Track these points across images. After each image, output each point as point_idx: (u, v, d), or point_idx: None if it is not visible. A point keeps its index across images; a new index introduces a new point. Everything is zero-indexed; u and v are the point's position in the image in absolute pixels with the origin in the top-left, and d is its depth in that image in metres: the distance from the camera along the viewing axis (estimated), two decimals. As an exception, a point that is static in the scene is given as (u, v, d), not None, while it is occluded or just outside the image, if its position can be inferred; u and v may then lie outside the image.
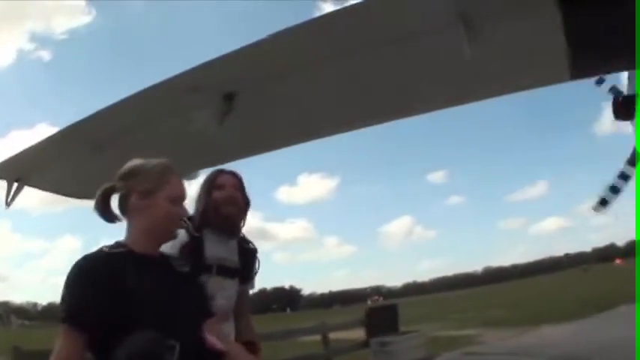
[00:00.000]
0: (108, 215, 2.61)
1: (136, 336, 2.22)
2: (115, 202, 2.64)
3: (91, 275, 2.33)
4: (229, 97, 4.53)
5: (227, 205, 3.35)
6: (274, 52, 4.26)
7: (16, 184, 5.57)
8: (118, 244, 2.53)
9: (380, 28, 4.11)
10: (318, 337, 12.91)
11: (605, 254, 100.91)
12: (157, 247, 2.62)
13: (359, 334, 13.69)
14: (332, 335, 13.48)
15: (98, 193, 2.63)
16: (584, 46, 4.52)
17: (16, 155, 5.29)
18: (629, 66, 5.14)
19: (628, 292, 24.50)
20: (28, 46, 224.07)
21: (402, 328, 14.47)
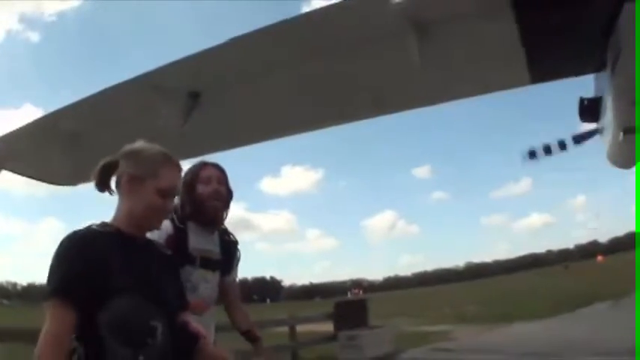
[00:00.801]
0: (102, 187, 2.60)
1: (121, 300, 2.26)
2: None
3: (82, 250, 2.32)
4: (194, 96, 4.71)
5: (212, 200, 3.38)
6: (237, 54, 4.40)
7: (-6, 168, 5.73)
8: (105, 224, 2.51)
9: (340, 33, 4.16)
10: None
11: (588, 251, 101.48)
12: (141, 231, 2.60)
13: (330, 327, 13.61)
14: (303, 328, 13.47)
15: (100, 163, 2.62)
16: (541, 49, 4.60)
17: (-4, 139, 5.44)
18: (590, 69, 5.12)
19: (604, 290, 24.90)
20: (17, 26, 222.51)
21: (373, 323, 14.37)
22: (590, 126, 6.60)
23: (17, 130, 5.28)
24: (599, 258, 73.22)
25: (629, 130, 5.79)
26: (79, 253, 2.31)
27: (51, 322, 2.22)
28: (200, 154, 5.87)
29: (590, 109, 5.52)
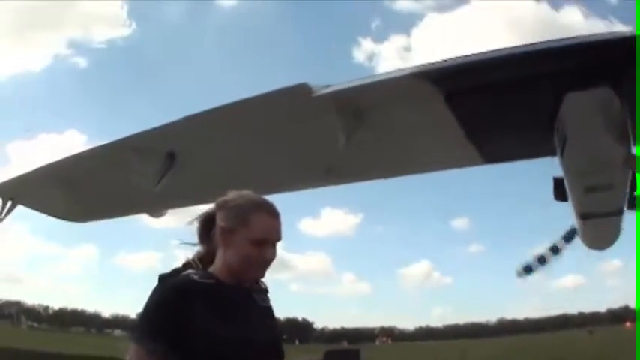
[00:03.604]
0: (201, 240, 2.64)
1: None
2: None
3: (177, 304, 2.32)
4: (171, 157, 5.48)
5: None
6: (210, 123, 5.11)
7: (10, 203, 6.67)
8: (205, 273, 2.50)
9: (287, 115, 4.86)
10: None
11: (619, 315, 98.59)
12: (240, 282, 2.54)
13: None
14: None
15: (198, 218, 2.66)
16: (486, 135, 5.02)
17: (12, 179, 6.43)
18: (542, 153, 5.36)
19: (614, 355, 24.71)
20: (65, 52, 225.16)
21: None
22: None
23: (31, 171, 6.22)
24: (628, 324, 71.49)
25: (585, 216, 6.23)
26: (175, 307, 2.32)
27: None
28: (176, 206, 6.83)
29: (562, 189, 5.77)
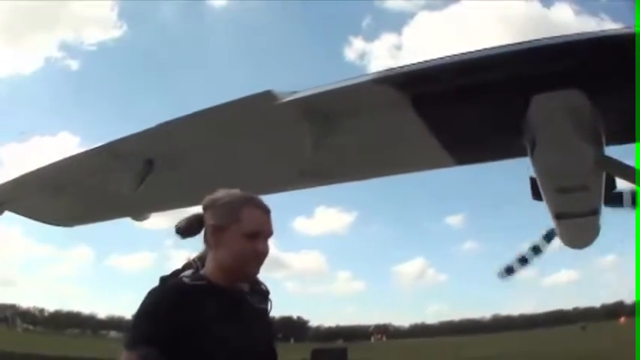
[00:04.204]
0: (184, 236, 2.61)
1: None
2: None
3: (169, 309, 2.32)
4: (149, 163, 5.47)
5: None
6: (185, 129, 5.17)
7: (-3, 208, 6.77)
8: (197, 276, 2.49)
9: (261, 119, 4.87)
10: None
11: (613, 311, 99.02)
12: (233, 282, 2.53)
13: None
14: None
15: (187, 217, 2.63)
16: (455, 137, 5.01)
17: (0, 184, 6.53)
18: (513, 154, 5.36)
19: (605, 356, 24.78)
20: (57, 54, 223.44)
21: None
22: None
23: (17, 177, 6.30)
24: (622, 319, 71.94)
25: (559, 216, 6.30)
26: (167, 312, 2.32)
27: None
28: (157, 210, 6.92)
29: (538, 189, 5.79)
